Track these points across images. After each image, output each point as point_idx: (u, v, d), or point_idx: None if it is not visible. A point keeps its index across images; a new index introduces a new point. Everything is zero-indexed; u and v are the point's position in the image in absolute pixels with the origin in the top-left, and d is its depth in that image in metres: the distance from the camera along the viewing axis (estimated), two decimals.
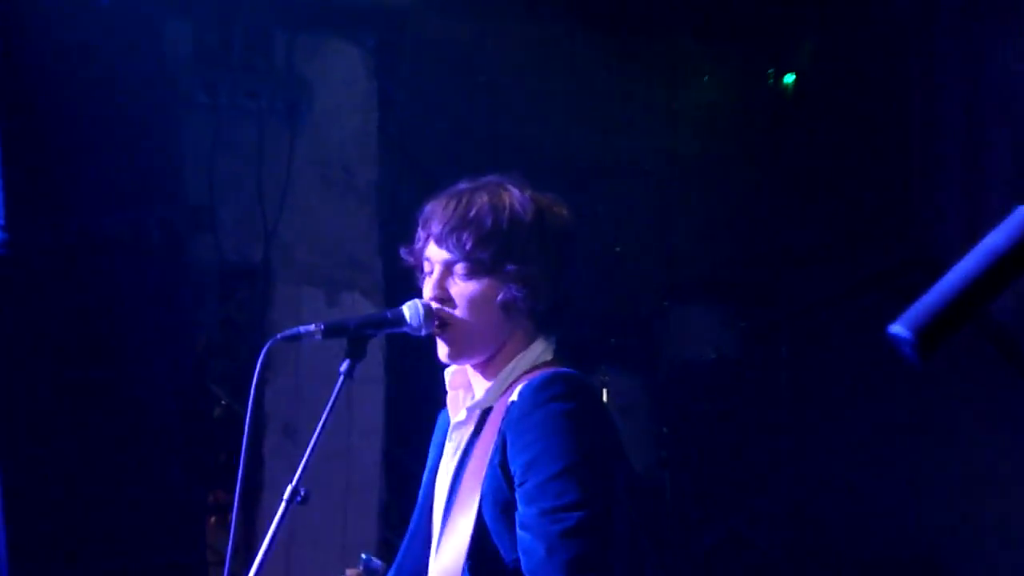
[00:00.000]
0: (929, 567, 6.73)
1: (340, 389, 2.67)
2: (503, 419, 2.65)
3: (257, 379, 2.72)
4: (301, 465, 2.63)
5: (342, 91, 6.17)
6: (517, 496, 2.59)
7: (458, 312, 2.72)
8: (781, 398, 7.22)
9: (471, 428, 2.78)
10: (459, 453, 2.78)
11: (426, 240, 2.77)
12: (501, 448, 2.63)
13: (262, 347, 2.67)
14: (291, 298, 5.99)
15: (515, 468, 2.60)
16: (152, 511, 5.31)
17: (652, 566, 2.69)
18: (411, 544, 2.86)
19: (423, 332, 2.74)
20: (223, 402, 6.01)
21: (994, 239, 1.28)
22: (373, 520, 6.02)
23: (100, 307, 5.32)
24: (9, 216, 5.07)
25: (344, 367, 2.68)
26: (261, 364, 2.68)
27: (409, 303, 2.74)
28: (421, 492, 2.89)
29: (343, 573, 2.81)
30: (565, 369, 2.71)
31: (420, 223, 2.78)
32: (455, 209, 2.72)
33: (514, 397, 2.66)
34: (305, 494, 2.61)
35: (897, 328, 1.23)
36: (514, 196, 2.74)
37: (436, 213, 2.75)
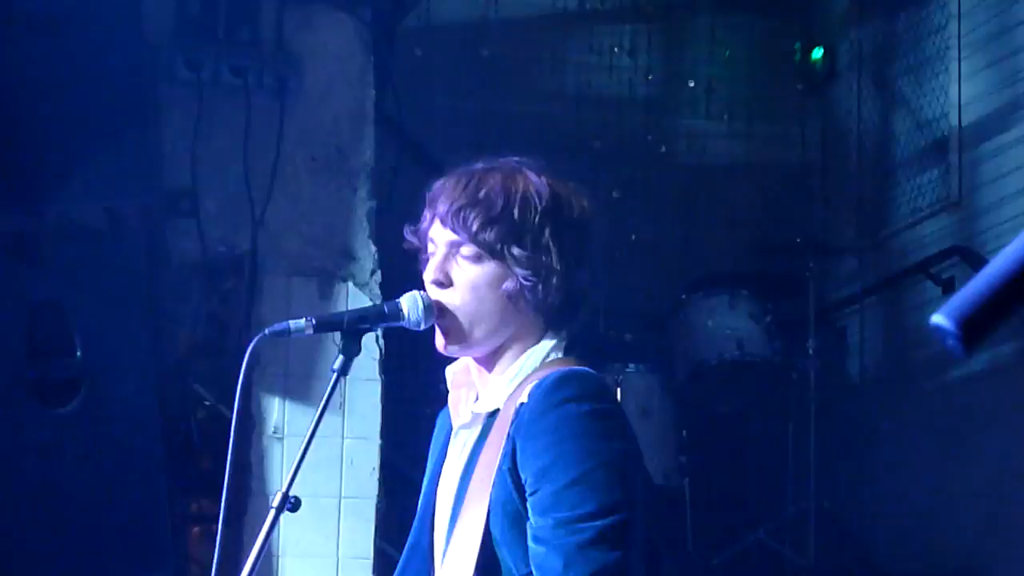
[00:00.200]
0: None
1: (333, 389, 2.65)
2: (512, 422, 2.62)
3: (244, 378, 2.71)
4: (291, 471, 2.61)
5: (336, 66, 6.17)
6: (529, 506, 2.58)
7: (460, 299, 2.70)
8: (809, 398, 7.22)
9: (476, 432, 2.74)
10: (464, 459, 2.75)
11: (431, 220, 2.75)
12: (511, 454, 2.60)
13: (249, 343, 2.64)
14: (280, 290, 5.99)
15: (526, 475, 2.58)
16: (130, 522, 5.31)
17: None
18: (411, 557, 2.83)
19: (422, 327, 2.72)
20: (207, 404, 6.01)
21: None
22: (368, 530, 6.02)
23: (72, 301, 5.31)
24: None
25: (337, 364, 2.66)
26: (248, 362, 2.66)
27: (408, 295, 2.72)
28: (421, 501, 2.85)
29: None
30: (579, 368, 2.68)
31: (427, 202, 2.76)
32: (464, 188, 2.70)
33: (524, 399, 2.63)
34: (296, 502, 2.60)
35: (939, 319, 1.23)
36: (530, 180, 2.72)
37: (444, 192, 2.72)
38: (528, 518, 2.58)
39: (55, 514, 5.12)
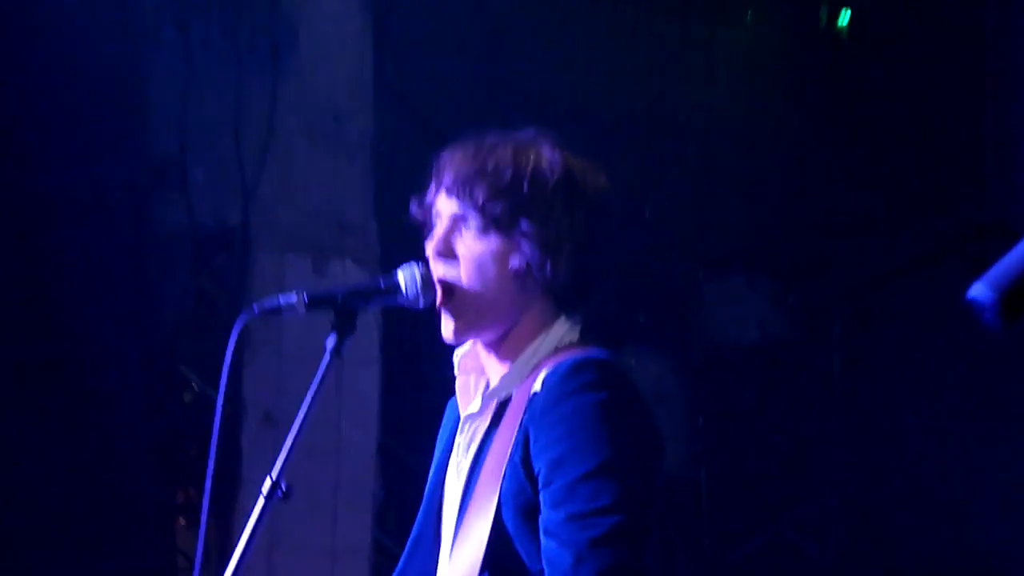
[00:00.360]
0: None
1: (327, 370, 2.63)
2: (525, 411, 2.61)
3: (232, 359, 2.69)
4: (282, 457, 2.58)
5: (333, 28, 6.16)
6: (541, 499, 2.56)
7: (463, 276, 2.69)
8: (834, 385, 7.20)
9: (487, 420, 2.73)
10: (473, 449, 2.74)
11: (437, 191, 2.75)
12: (523, 444, 2.59)
13: (238, 322, 2.64)
14: (273, 266, 5.99)
15: (539, 467, 2.57)
16: (114, 512, 5.31)
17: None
18: (414, 550, 2.83)
19: (421, 303, 2.71)
20: (194, 386, 6.01)
21: None
22: (366, 521, 6.02)
23: (53, 277, 5.31)
24: None
25: (331, 344, 2.65)
26: (236, 341, 2.67)
27: (405, 267, 2.72)
28: (427, 492, 2.85)
29: None
30: (596, 353, 2.67)
31: (433, 172, 2.77)
32: (473, 158, 2.70)
33: (537, 386, 2.62)
34: (287, 489, 2.57)
35: (978, 290, 1.19)
36: (543, 153, 2.72)
37: (452, 161, 2.72)
38: (541, 511, 2.57)
39: (34, 501, 5.11)
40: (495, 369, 2.76)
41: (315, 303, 2.67)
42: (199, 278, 6.05)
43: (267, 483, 2.57)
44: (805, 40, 8.22)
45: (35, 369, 5.20)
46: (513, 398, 2.68)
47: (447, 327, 2.73)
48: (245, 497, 5.81)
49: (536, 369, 2.67)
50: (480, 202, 2.67)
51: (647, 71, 7.97)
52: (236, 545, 2.54)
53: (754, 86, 8.14)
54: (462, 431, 2.79)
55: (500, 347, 2.74)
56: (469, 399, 2.78)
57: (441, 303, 2.71)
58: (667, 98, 8.00)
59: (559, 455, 2.54)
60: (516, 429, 2.61)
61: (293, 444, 2.59)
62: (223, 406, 2.69)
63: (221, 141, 5.96)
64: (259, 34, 5.99)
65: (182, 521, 5.89)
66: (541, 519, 2.56)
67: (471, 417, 2.77)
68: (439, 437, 2.90)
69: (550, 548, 2.53)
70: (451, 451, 2.82)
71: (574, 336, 2.73)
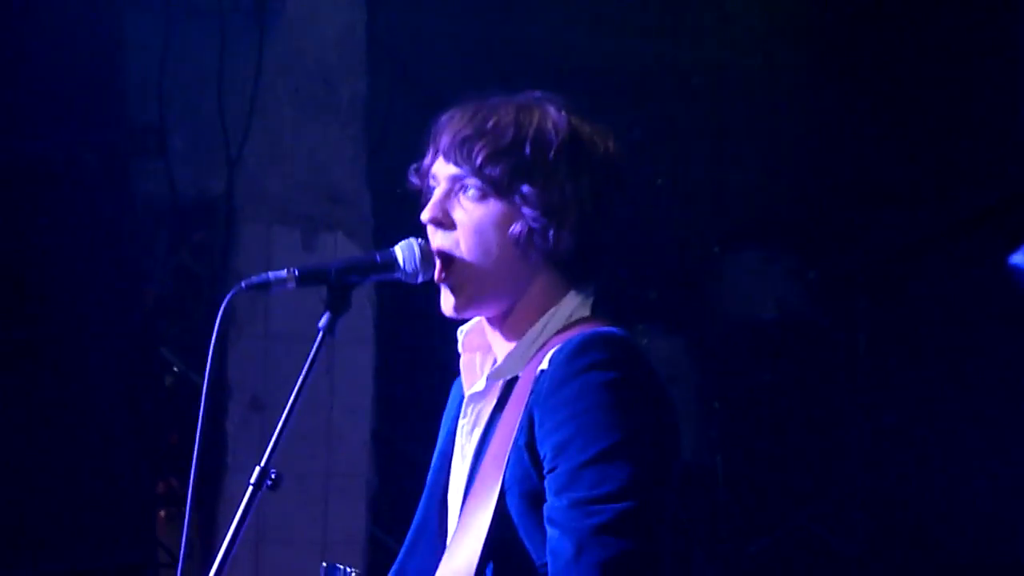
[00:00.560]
0: None
1: (318, 351, 2.63)
2: (531, 391, 2.61)
3: (217, 340, 2.71)
4: (271, 444, 2.58)
5: None
6: (546, 484, 2.56)
7: (462, 244, 2.70)
8: (858, 365, 7.20)
9: (492, 401, 2.73)
10: (478, 432, 2.74)
11: (434, 156, 2.75)
12: (528, 427, 2.58)
13: (223, 300, 2.64)
14: (260, 240, 6.00)
15: (545, 451, 2.56)
16: (91, 503, 5.31)
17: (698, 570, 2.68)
18: (418, 538, 2.84)
19: (419, 279, 2.71)
20: (176, 369, 6.01)
21: None
22: (359, 511, 6.04)
23: (25, 252, 5.30)
24: None
25: (323, 322, 2.65)
26: (221, 321, 2.67)
27: (403, 242, 2.72)
28: (430, 477, 2.86)
29: None
30: (608, 329, 2.66)
31: (431, 137, 2.77)
32: (472, 118, 2.70)
33: (544, 364, 2.62)
34: (276, 478, 2.57)
35: (1021, 258, 1.18)
36: (548, 113, 2.72)
37: (449, 123, 2.73)
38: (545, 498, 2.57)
39: (4, 493, 5.11)
40: (501, 347, 2.76)
41: (307, 278, 2.67)
42: (180, 253, 6.06)
43: (255, 472, 2.57)
44: None
45: (7, 351, 5.19)
46: (520, 378, 2.68)
47: (447, 301, 2.73)
48: (231, 487, 5.83)
49: (545, 347, 2.68)
50: (478, 164, 2.67)
51: (660, 30, 7.95)
52: (222, 538, 2.54)
53: (773, 46, 8.12)
54: (465, 413, 2.79)
55: (505, 323, 2.74)
56: (474, 379, 2.78)
57: (440, 275, 2.71)
58: (681, 59, 7.98)
59: (564, 438, 2.54)
60: (522, 411, 2.61)
61: (282, 430, 2.60)
62: (208, 390, 2.68)
63: (203, 106, 5.96)
64: None
65: (163, 513, 5.89)
66: (545, 507, 2.55)
67: (475, 397, 2.77)
68: (444, 419, 2.91)
69: (553, 536, 2.53)
70: (455, 435, 2.81)
71: (585, 311, 2.73)
